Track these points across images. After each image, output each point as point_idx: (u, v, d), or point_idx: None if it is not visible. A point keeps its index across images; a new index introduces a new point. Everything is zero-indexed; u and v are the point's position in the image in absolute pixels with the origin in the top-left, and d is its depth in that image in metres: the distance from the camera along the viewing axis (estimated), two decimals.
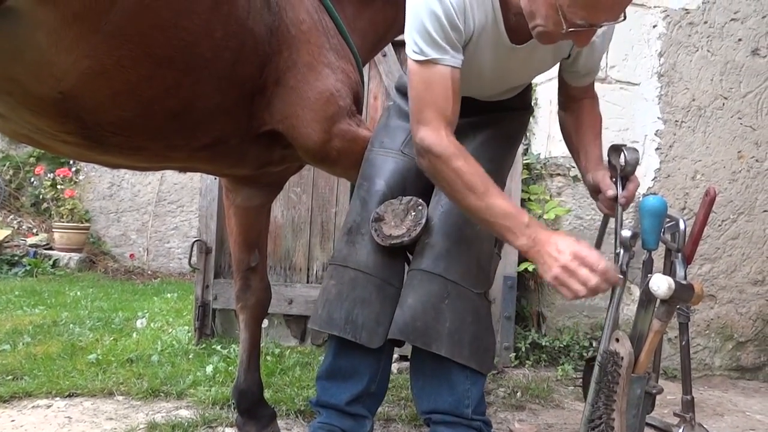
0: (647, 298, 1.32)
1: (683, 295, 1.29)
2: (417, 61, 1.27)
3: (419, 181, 1.51)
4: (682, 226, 1.47)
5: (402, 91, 1.65)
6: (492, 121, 1.59)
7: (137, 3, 1.02)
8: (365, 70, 2.28)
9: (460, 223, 1.40)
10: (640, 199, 1.45)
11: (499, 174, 1.52)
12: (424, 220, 1.38)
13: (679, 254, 1.47)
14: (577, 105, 1.58)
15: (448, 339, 1.33)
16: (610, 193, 1.39)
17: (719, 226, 3.06)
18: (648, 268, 1.45)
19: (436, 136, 1.26)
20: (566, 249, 1.14)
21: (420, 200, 1.42)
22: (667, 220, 1.51)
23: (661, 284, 1.26)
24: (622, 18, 1.12)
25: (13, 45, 0.97)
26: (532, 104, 1.72)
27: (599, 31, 1.27)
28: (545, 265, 1.16)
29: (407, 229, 1.39)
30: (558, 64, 1.53)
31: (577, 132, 1.57)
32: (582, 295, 1.13)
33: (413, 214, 1.41)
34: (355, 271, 1.43)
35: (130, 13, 1.02)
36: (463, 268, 1.37)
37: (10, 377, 2.28)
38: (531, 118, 3.15)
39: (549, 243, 1.16)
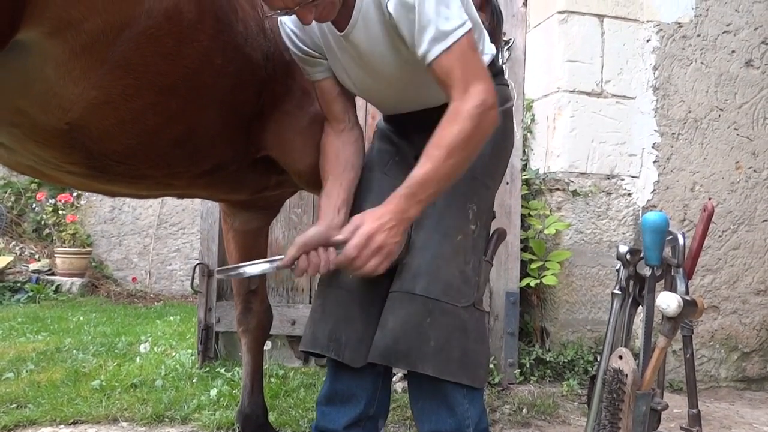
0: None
1: (688, 311, 1.30)
2: None
3: None
4: (681, 240, 1.48)
5: (385, 116, 1.66)
6: None
7: (141, 32, 1.03)
8: None
9: (437, 238, 1.37)
10: (641, 213, 1.45)
11: (486, 187, 1.47)
12: (404, 243, 1.35)
13: (680, 269, 1.47)
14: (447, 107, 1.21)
15: (434, 358, 1.29)
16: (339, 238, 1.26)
17: (720, 236, 3.06)
18: (651, 284, 1.45)
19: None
20: None
21: None
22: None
23: (670, 302, 1.26)
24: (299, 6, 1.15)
25: (22, 78, 0.98)
26: (512, 98, 1.56)
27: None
28: None
29: None
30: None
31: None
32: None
33: None
34: (339, 290, 1.43)
35: (136, 42, 1.03)
36: (443, 284, 1.34)
37: (14, 405, 2.27)
38: (528, 134, 3.19)
39: None
